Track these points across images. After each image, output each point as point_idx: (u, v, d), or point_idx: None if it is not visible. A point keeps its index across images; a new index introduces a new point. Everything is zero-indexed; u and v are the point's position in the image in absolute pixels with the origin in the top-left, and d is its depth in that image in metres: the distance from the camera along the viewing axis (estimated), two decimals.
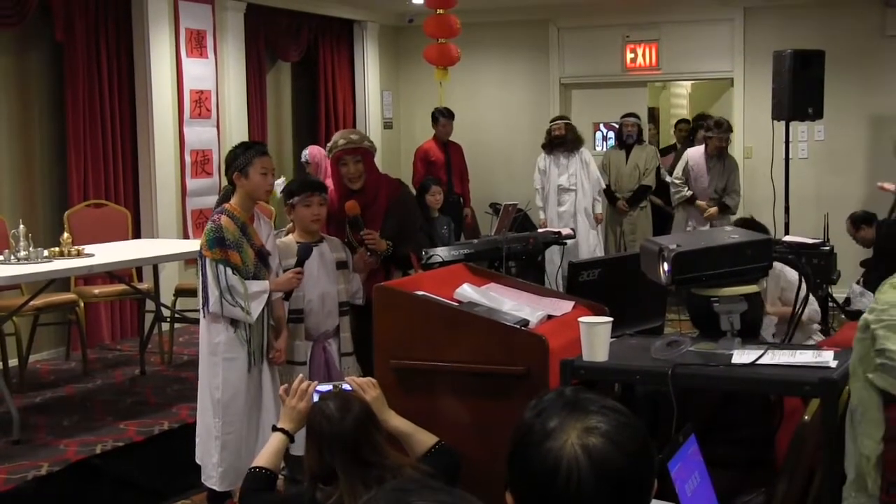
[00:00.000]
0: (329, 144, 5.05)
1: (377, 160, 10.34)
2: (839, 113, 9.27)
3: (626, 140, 9.70)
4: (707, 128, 8.85)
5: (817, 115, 8.56)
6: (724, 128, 8.78)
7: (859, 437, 1.84)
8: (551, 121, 9.66)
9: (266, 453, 3.07)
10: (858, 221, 7.72)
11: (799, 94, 8.36)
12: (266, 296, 4.38)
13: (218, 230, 4.31)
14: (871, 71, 9.54)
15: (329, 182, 5.13)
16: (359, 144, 4.97)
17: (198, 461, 4.54)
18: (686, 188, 8.90)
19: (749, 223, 8.29)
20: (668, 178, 9.39)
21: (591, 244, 9.37)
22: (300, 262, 4.55)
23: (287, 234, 4.86)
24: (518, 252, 6.54)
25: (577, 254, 8.78)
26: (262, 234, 4.52)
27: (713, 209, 8.69)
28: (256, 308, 4.33)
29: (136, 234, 7.76)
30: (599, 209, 9.43)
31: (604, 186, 9.46)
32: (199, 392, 4.52)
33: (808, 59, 8.45)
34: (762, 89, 9.14)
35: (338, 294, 4.76)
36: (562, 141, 9.34)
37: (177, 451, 5.07)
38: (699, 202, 8.79)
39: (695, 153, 8.98)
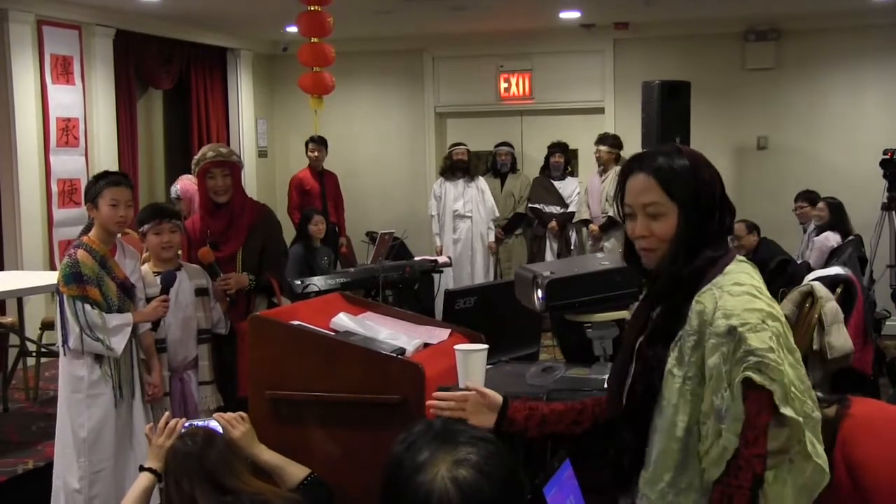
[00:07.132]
0: (196, 157, 4.92)
1: (252, 188, 10.32)
2: (705, 142, 9.55)
3: (500, 169, 9.84)
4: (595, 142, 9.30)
5: (685, 143, 8.85)
6: (608, 141, 9.09)
7: (724, 433, 1.97)
8: (451, 146, 9.72)
9: (133, 494, 2.95)
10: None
11: (667, 123, 8.62)
12: (129, 328, 4.24)
13: (74, 265, 4.17)
14: (733, 102, 9.89)
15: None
16: (228, 158, 4.89)
17: None
18: (584, 209, 9.17)
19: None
20: (531, 204, 9.58)
21: (485, 272, 9.47)
22: (165, 290, 4.44)
23: (143, 263, 4.72)
24: (395, 280, 6.56)
25: (472, 282, 8.87)
26: (127, 267, 4.37)
27: (593, 226, 8.99)
28: (119, 342, 4.20)
29: (0, 266, 7.48)
30: (492, 238, 9.54)
31: (497, 215, 9.56)
32: (58, 432, 4.31)
33: (675, 89, 8.73)
34: (632, 119, 9.39)
35: (196, 322, 4.66)
36: (465, 166, 9.45)
37: (43, 491, 4.84)
38: (591, 226, 9.03)
39: (591, 177, 9.27)
